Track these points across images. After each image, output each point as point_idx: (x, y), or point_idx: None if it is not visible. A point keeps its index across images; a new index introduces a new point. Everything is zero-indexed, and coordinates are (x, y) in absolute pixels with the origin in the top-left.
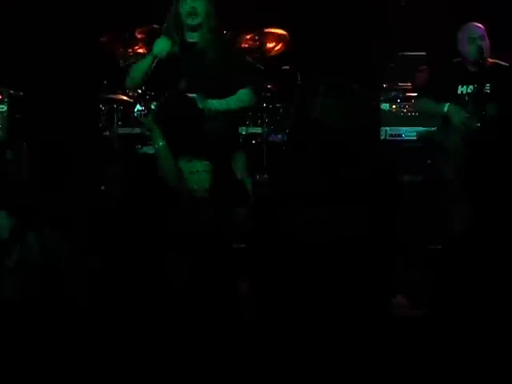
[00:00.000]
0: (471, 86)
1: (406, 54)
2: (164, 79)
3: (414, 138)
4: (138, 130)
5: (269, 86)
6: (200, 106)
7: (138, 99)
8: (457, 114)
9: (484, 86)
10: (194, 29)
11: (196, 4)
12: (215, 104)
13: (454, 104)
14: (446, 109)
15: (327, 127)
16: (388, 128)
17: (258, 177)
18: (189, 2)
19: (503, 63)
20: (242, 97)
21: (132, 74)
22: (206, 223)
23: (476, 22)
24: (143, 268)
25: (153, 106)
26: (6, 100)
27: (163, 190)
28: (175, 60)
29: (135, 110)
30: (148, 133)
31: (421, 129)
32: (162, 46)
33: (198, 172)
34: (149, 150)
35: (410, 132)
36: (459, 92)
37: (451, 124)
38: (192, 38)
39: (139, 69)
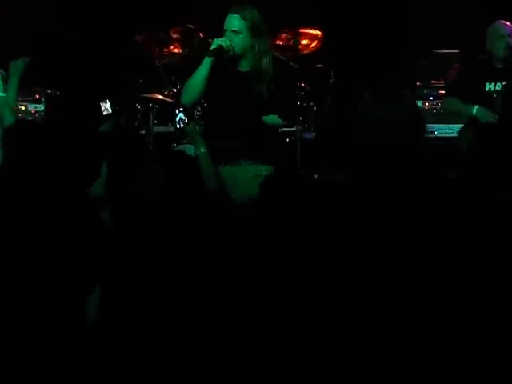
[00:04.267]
0: (499, 83)
1: (439, 51)
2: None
3: (447, 135)
4: (172, 129)
5: (302, 85)
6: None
7: (179, 106)
8: (485, 116)
9: None
10: (237, 58)
11: (234, 37)
12: None
13: (481, 104)
14: (474, 111)
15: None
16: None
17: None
18: (228, 34)
19: None
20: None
21: (188, 88)
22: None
23: (505, 20)
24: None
25: (197, 113)
26: (43, 99)
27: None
28: (224, 86)
29: (177, 118)
30: (190, 140)
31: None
32: (219, 42)
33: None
34: (185, 148)
35: (443, 129)
36: (487, 89)
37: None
38: (240, 66)
39: (196, 79)
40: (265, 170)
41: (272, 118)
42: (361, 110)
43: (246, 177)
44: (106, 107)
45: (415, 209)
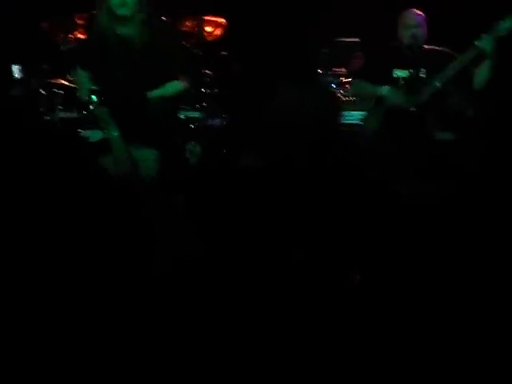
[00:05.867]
0: (406, 71)
1: (340, 39)
2: (100, 71)
3: (352, 121)
4: (78, 114)
5: (207, 72)
6: None
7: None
8: (394, 96)
9: (419, 71)
10: (125, 20)
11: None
12: None
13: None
14: (383, 91)
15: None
16: None
17: None
18: None
19: (439, 48)
20: (167, 89)
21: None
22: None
23: (415, 8)
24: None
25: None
26: None
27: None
28: (109, 53)
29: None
30: (102, 124)
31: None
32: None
33: (146, 160)
34: (91, 133)
35: (347, 116)
36: (394, 75)
37: (382, 108)
38: (124, 30)
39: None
40: (151, 155)
41: (172, 86)
42: (277, 97)
43: None
44: (17, 72)
45: (331, 196)
